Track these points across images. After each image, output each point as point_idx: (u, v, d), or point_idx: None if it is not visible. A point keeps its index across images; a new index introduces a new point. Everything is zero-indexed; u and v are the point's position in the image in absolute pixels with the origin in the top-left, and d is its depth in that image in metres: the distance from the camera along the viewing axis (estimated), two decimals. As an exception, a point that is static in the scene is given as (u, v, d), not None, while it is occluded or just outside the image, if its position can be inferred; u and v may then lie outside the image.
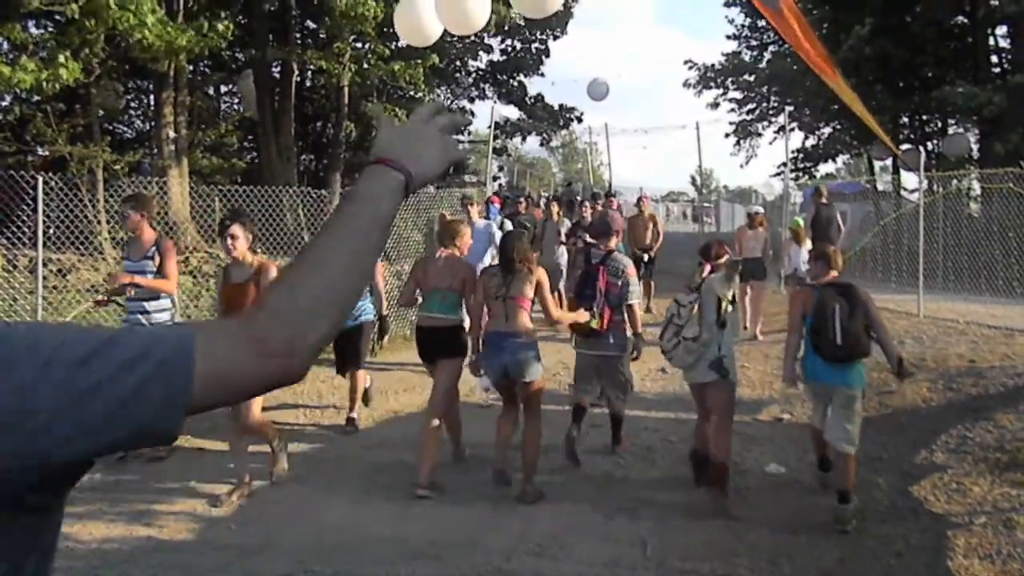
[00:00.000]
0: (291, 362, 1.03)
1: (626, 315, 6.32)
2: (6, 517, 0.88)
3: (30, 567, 0.92)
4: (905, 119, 20.66)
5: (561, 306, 6.33)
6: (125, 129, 18.17)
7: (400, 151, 1.20)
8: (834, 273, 5.58)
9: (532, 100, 23.28)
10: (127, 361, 0.92)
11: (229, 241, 5.45)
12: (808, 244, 10.88)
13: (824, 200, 12.66)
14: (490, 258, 8.82)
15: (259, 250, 5.95)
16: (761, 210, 12.40)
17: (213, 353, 0.97)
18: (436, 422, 5.73)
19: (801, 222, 11.55)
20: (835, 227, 12.16)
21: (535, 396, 5.69)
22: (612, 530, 5.08)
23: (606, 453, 6.60)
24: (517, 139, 25.01)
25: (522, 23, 21.42)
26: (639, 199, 13.83)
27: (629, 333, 6.39)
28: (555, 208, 13.01)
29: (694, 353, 5.52)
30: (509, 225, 10.69)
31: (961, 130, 20.24)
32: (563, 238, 11.99)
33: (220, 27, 11.06)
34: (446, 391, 5.86)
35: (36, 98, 12.72)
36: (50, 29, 11.90)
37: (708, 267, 5.66)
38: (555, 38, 22.54)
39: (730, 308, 5.61)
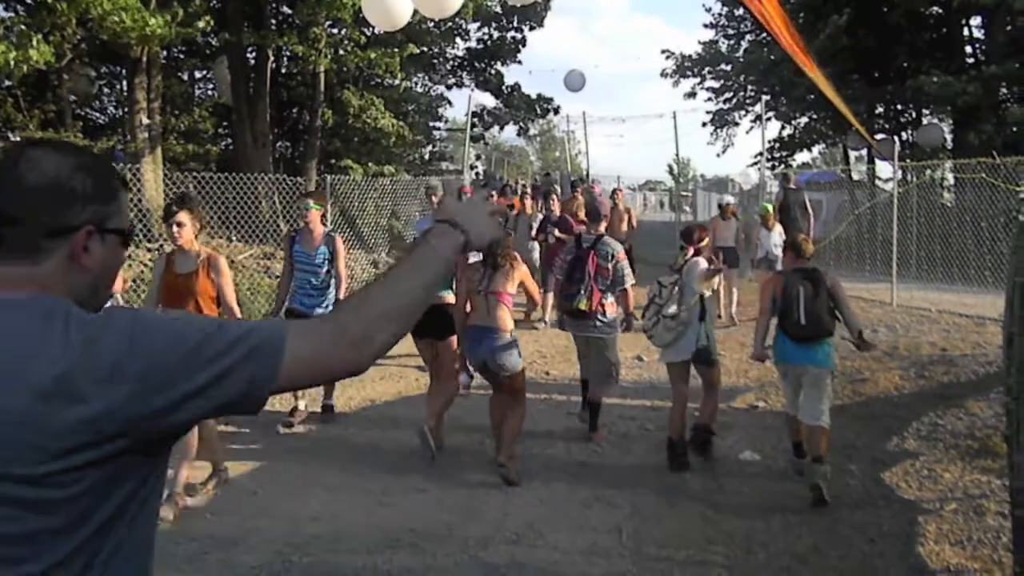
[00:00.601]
0: (360, 358, 1.34)
1: (620, 297, 6.56)
2: (140, 456, 1.24)
3: (144, 495, 1.28)
4: (880, 109, 20.79)
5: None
6: (98, 115, 17.90)
7: (462, 219, 1.53)
8: (802, 260, 5.78)
9: (509, 89, 23.19)
10: (229, 344, 1.24)
11: (175, 228, 5.09)
12: (778, 228, 11.28)
13: (792, 185, 13.23)
14: None
15: (233, 238, 5.86)
16: (733, 200, 12.99)
17: (299, 346, 1.28)
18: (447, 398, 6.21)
19: (770, 208, 11.80)
20: (803, 211, 12.65)
21: (517, 382, 5.81)
22: (588, 518, 5.10)
23: (582, 441, 6.62)
24: (495, 128, 24.91)
25: (499, 11, 21.35)
26: (614, 191, 13.99)
27: (614, 314, 6.55)
28: (527, 201, 12.77)
29: (673, 331, 5.88)
30: None
31: (936, 120, 20.42)
32: (533, 232, 11.80)
33: (201, 23, 10.95)
34: (452, 371, 6.27)
35: (7, 83, 12.51)
36: (20, 12, 11.68)
37: (691, 250, 6.08)
38: (531, 28, 22.43)
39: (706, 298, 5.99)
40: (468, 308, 5.83)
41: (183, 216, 5.10)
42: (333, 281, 6.78)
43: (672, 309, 5.88)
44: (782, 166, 23.66)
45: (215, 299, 5.16)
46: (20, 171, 1.29)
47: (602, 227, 6.82)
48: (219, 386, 1.23)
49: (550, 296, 10.53)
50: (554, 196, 11.97)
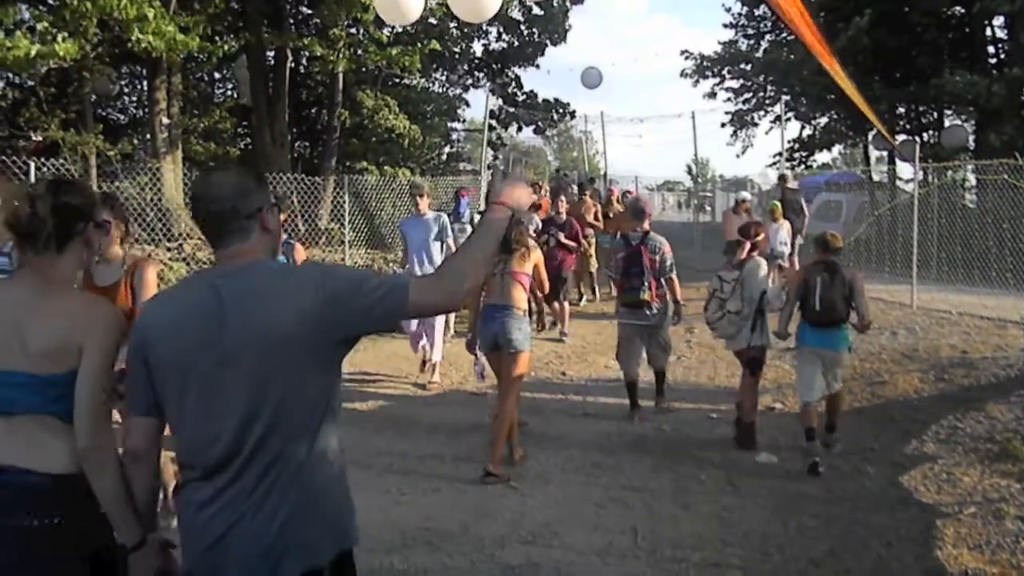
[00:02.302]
0: (451, 300, 2.08)
1: (667, 287, 7.17)
2: (334, 359, 2.05)
3: (336, 391, 2.09)
4: (901, 109, 20.63)
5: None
6: (119, 115, 18.07)
7: (508, 197, 2.14)
8: (826, 254, 6.27)
9: (525, 96, 23.16)
10: (378, 285, 1.99)
11: (98, 233, 3.82)
12: (785, 224, 12.19)
13: (789, 185, 14.27)
14: (438, 253, 8.08)
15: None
16: (748, 196, 13.68)
17: (416, 290, 1.99)
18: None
19: (778, 204, 12.58)
20: (797, 211, 13.36)
21: (520, 362, 5.89)
22: (604, 519, 5.10)
23: (599, 442, 6.62)
24: (513, 128, 24.87)
25: (521, 18, 21.32)
26: (609, 191, 14.02)
27: (663, 302, 7.17)
28: (544, 202, 12.17)
29: (735, 325, 6.49)
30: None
31: (959, 121, 20.24)
32: (532, 234, 11.26)
33: (225, 46, 11.07)
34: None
35: (30, 82, 12.65)
36: (43, 10, 11.79)
37: (748, 245, 6.64)
38: (555, 43, 22.31)
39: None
40: (484, 292, 5.97)
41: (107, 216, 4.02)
42: None
43: (736, 305, 6.45)
44: (802, 167, 23.55)
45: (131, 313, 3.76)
46: (215, 185, 2.06)
47: (646, 224, 7.27)
48: (373, 309, 1.97)
49: (566, 305, 10.48)
50: (563, 197, 11.70)
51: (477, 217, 9.59)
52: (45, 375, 2.17)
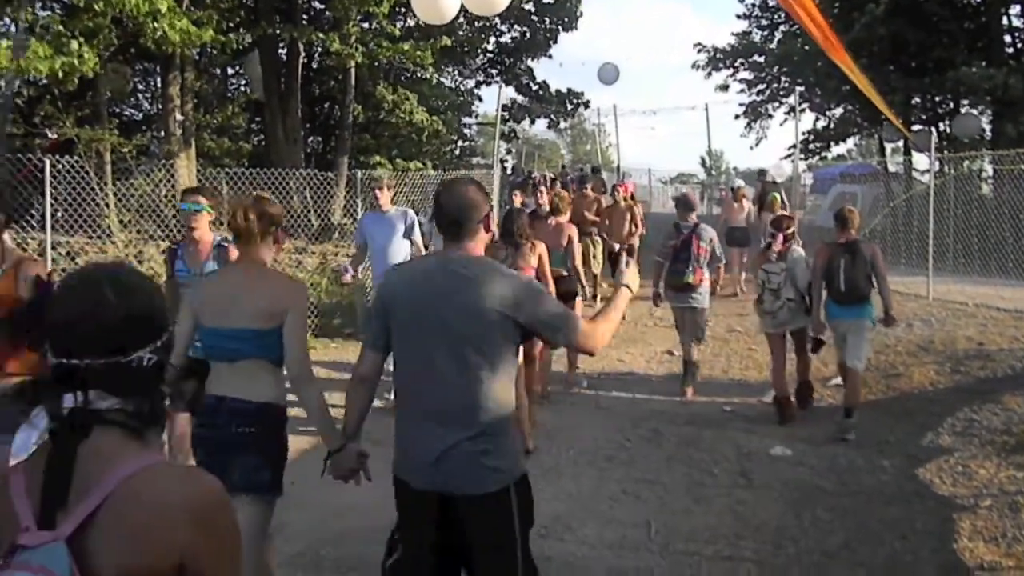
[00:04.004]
0: (596, 348, 2.85)
1: (715, 273, 8.18)
2: (511, 337, 2.75)
3: (512, 358, 2.81)
4: (917, 100, 20.42)
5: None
6: (133, 111, 18.14)
7: (630, 280, 3.00)
8: (847, 233, 6.73)
9: (538, 87, 23.11)
10: (555, 305, 2.81)
11: None
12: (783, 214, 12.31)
13: (768, 179, 15.20)
14: (405, 253, 7.05)
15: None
16: (743, 183, 14.64)
17: (578, 326, 2.76)
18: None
19: (777, 196, 12.92)
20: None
21: (531, 350, 6.28)
22: (617, 512, 5.10)
23: (612, 435, 6.62)
24: (525, 122, 24.83)
25: (532, 8, 21.26)
26: (615, 187, 13.44)
27: (707, 287, 7.87)
28: (516, 198, 11.05)
29: (791, 311, 6.99)
30: None
31: (974, 111, 20.03)
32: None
33: (238, 40, 11.13)
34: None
35: (45, 81, 12.71)
36: (57, 11, 11.85)
37: (781, 236, 7.07)
38: (566, 30, 22.24)
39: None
40: None
41: None
42: None
43: (791, 292, 6.95)
44: (817, 158, 23.40)
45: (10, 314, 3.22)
46: (459, 197, 2.78)
47: (693, 216, 7.99)
48: (541, 321, 2.73)
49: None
50: (542, 188, 10.64)
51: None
52: (261, 329, 3.14)
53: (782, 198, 13.24)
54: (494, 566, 2.77)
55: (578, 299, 7.29)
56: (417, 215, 7.56)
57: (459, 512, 2.72)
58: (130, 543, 1.32)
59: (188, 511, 1.36)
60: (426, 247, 7.75)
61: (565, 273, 7.34)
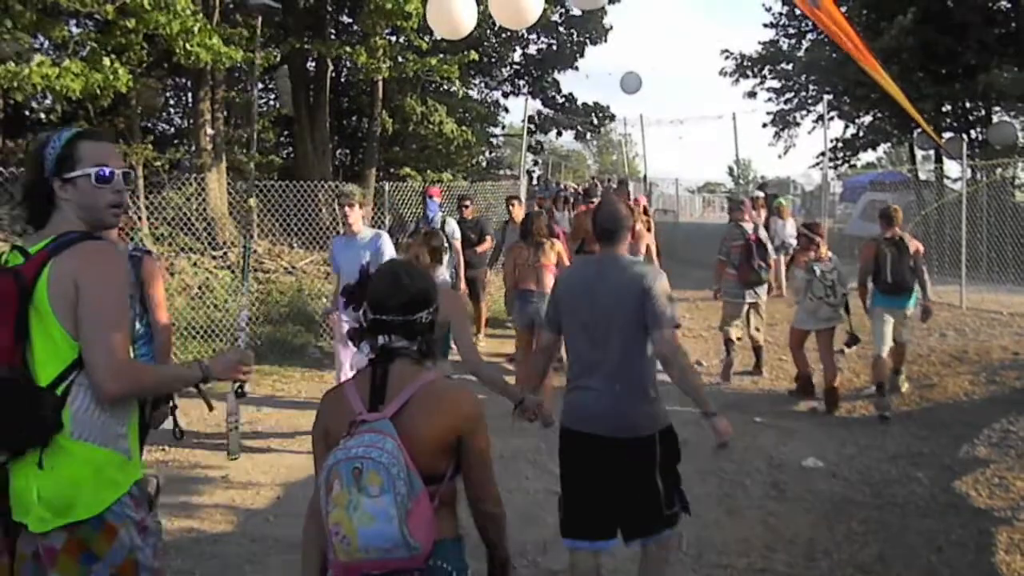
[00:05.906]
0: (671, 362, 3.55)
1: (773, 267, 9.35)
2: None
3: (643, 339, 3.55)
4: (948, 107, 20.21)
5: None
6: (165, 126, 18.38)
7: (700, 397, 3.78)
8: (891, 229, 7.31)
9: (564, 100, 23.12)
10: (664, 305, 3.51)
11: None
12: (790, 219, 13.23)
13: (769, 191, 16.22)
14: None
15: (295, 244, 5.65)
16: (761, 195, 15.13)
17: (671, 335, 3.53)
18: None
19: (783, 201, 13.81)
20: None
21: None
22: (647, 524, 5.06)
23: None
24: (552, 133, 24.85)
25: (558, 20, 21.31)
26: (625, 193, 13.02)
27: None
28: (514, 209, 10.40)
29: (834, 308, 7.48)
30: (453, 224, 9.42)
31: (1007, 118, 19.77)
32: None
33: (268, 58, 11.43)
34: None
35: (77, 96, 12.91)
36: (90, 28, 12.04)
37: (819, 239, 7.58)
38: (594, 43, 22.26)
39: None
40: (519, 280, 7.35)
41: None
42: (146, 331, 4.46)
43: (841, 290, 7.47)
44: (846, 166, 23.21)
45: None
46: (613, 211, 3.68)
47: (748, 217, 8.73)
48: (653, 313, 3.44)
49: None
50: (516, 202, 10.66)
51: (450, 222, 9.39)
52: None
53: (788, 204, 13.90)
54: (639, 494, 3.57)
55: None
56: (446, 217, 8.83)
57: (615, 451, 3.49)
58: (428, 418, 2.16)
59: (462, 403, 2.25)
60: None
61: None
